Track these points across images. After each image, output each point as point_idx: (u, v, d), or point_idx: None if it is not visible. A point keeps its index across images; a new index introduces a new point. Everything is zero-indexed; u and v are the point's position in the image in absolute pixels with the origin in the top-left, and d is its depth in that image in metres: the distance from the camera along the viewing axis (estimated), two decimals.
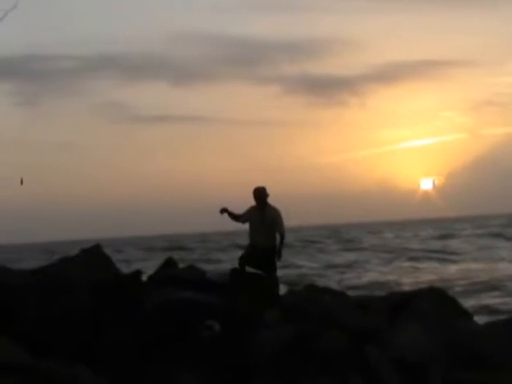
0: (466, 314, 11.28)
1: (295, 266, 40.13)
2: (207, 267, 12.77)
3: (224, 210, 11.93)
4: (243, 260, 11.76)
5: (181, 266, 12.06)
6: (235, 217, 12.06)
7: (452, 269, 36.46)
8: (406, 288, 24.71)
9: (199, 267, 11.89)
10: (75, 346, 9.24)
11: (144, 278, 11.08)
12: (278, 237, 11.85)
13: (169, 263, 11.86)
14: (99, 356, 9.25)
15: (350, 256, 48.98)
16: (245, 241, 12.25)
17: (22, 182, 10.28)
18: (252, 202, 11.86)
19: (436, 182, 61.91)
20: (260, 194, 11.98)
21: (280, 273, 11.95)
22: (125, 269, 11.24)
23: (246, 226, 11.85)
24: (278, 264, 11.65)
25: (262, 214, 11.92)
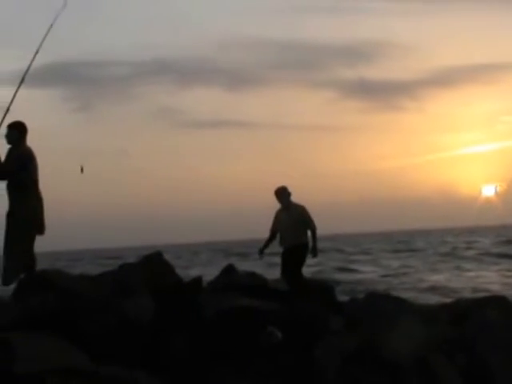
0: None
1: (356, 272, 39.87)
2: (269, 274, 12.68)
3: (261, 252, 11.88)
4: (285, 272, 11.62)
5: (241, 272, 11.97)
6: (269, 241, 12.00)
7: None
8: (468, 295, 24.34)
9: (260, 274, 11.81)
10: (135, 352, 9.21)
11: (204, 284, 11.01)
12: (308, 234, 11.72)
13: (229, 270, 11.77)
14: (159, 363, 9.21)
15: (411, 261, 48.49)
16: None
17: (82, 170, 10.21)
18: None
19: (498, 188, 60.93)
20: (281, 193, 11.95)
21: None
22: (185, 275, 11.17)
23: None
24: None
25: (287, 213, 11.85)
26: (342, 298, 11.67)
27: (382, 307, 10.66)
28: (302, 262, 11.81)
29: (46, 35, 10.37)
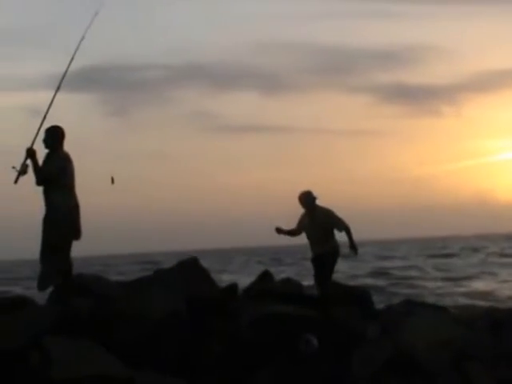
0: None
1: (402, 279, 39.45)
2: (304, 281, 12.55)
3: (279, 230, 11.63)
4: (318, 280, 11.43)
5: (277, 279, 11.90)
6: (291, 232, 11.70)
7: None
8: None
9: (296, 280, 11.71)
10: (170, 359, 9.17)
11: (240, 290, 10.96)
12: (336, 237, 11.39)
13: (265, 276, 11.70)
14: (194, 371, 9.16)
15: (454, 267, 47.99)
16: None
17: (112, 181, 10.18)
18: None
19: None
20: (304, 199, 11.58)
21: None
22: (219, 281, 11.12)
23: None
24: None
25: (311, 218, 11.53)
26: (380, 305, 11.47)
27: (417, 314, 10.53)
28: (331, 268, 11.48)
29: (81, 40, 10.36)
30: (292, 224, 11.72)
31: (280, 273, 29.29)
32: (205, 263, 11.01)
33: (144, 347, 9.14)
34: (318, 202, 11.68)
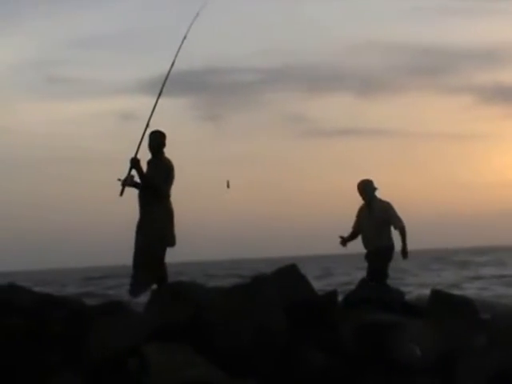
0: None
1: None
2: (404, 289, 12.14)
3: (344, 240, 11.14)
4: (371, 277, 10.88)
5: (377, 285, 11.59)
6: (352, 234, 11.16)
7: None
8: None
9: (397, 288, 11.40)
10: (268, 367, 9.04)
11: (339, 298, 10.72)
12: (392, 235, 10.87)
13: (364, 284, 11.43)
14: (293, 379, 9.01)
15: None
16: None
17: (228, 185, 10.08)
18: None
19: None
20: (363, 188, 10.99)
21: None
22: (318, 288, 10.87)
23: None
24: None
25: (369, 211, 10.96)
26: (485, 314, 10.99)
27: None
28: (385, 267, 10.94)
29: (184, 39, 10.30)
30: None
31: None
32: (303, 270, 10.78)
33: (241, 355, 9.04)
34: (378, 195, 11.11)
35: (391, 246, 11.02)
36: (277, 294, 9.69)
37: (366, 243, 11.08)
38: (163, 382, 8.52)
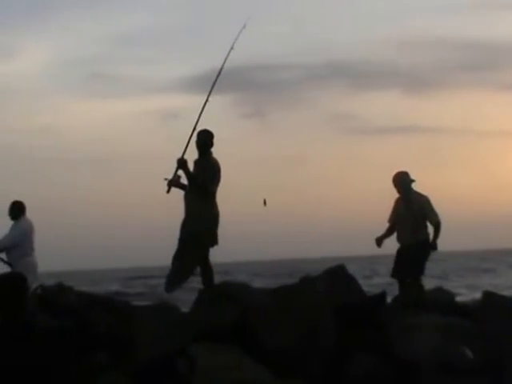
0: None
1: None
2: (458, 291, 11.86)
3: (379, 241, 10.81)
4: (393, 272, 10.62)
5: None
6: (389, 231, 10.78)
7: None
8: None
9: (449, 289, 11.21)
10: (317, 368, 8.95)
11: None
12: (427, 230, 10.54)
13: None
14: (341, 380, 8.92)
15: None
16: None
17: (265, 203, 10.03)
18: None
19: None
20: (400, 180, 10.62)
21: None
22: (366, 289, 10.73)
23: None
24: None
25: (407, 204, 10.60)
26: None
27: None
28: (421, 264, 10.60)
29: (230, 51, 10.29)
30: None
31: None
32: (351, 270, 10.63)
33: (291, 356, 8.96)
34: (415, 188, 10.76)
35: (428, 241, 10.68)
36: (325, 294, 9.60)
37: (401, 237, 10.74)
38: (211, 382, 8.47)
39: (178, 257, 9.96)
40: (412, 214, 10.54)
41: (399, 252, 10.88)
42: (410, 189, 10.68)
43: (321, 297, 9.54)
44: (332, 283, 9.79)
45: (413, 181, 10.69)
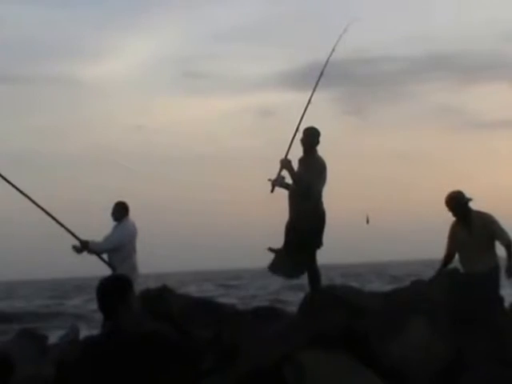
0: None
1: None
2: None
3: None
4: None
5: None
6: (444, 263, 9.78)
7: None
8: None
9: None
10: (432, 374, 8.50)
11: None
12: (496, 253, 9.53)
13: None
14: None
15: None
16: None
17: (368, 221, 9.77)
18: None
19: None
20: (453, 201, 9.45)
21: None
22: None
23: None
24: None
25: (467, 228, 9.39)
26: None
27: None
28: (496, 291, 9.43)
29: (331, 53, 10.14)
30: None
31: None
32: None
33: (401, 364, 8.54)
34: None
35: (498, 266, 9.56)
36: (437, 299, 9.15)
37: (466, 266, 9.54)
38: None
39: (290, 246, 9.77)
40: (477, 237, 9.40)
41: None
42: (468, 209, 9.50)
43: (432, 301, 9.09)
44: (447, 287, 9.32)
45: (469, 199, 9.53)
